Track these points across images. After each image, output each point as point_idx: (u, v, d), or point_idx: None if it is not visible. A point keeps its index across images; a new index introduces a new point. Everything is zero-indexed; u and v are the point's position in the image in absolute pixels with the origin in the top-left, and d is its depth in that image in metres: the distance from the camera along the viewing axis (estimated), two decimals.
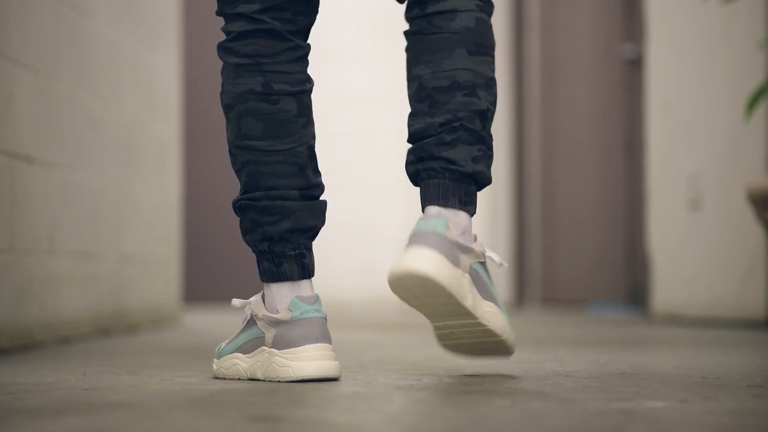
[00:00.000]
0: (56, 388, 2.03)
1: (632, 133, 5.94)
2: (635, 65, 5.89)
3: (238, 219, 2.25)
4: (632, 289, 5.95)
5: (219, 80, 2.25)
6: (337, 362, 2.14)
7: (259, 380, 2.17)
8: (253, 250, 2.21)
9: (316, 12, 2.24)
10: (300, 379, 2.11)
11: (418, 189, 2.22)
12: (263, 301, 2.20)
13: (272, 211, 2.17)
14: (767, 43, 4.01)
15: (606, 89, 6.24)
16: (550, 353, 2.91)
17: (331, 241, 6.62)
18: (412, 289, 2.06)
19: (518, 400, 1.81)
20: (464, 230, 2.13)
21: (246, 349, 2.21)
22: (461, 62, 2.14)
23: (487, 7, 2.21)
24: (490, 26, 2.19)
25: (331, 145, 6.74)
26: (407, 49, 2.21)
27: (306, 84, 2.22)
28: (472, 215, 2.15)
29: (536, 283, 6.99)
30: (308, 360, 2.11)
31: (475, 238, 2.17)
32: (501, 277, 6.97)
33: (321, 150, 2.28)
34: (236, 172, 2.22)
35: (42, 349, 3.12)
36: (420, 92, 2.16)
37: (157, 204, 4.61)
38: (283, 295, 2.17)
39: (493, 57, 2.18)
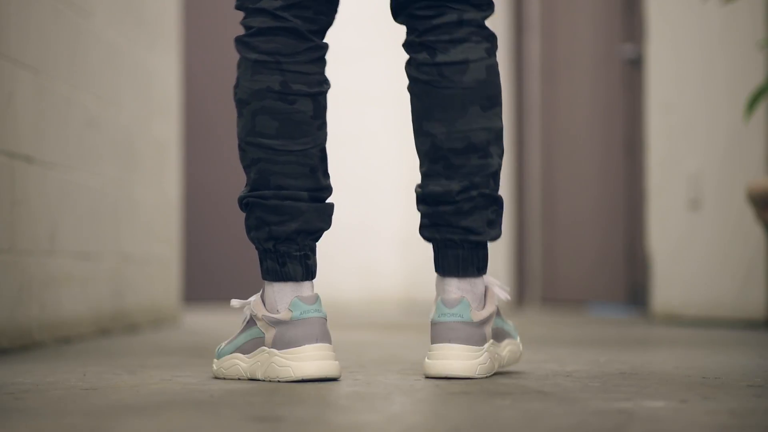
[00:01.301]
0: (56, 388, 2.03)
1: (632, 133, 5.94)
2: (635, 65, 5.89)
3: (243, 215, 2.25)
4: (632, 289, 5.95)
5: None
6: (337, 362, 2.14)
7: (258, 380, 2.17)
8: (257, 248, 2.21)
9: (336, 11, 2.23)
10: (300, 379, 2.11)
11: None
12: (263, 301, 2.20)
13: (280, 210, 2.16)
14: (767, 43, 4.01)
15: (606, 89, 6.24)
16: (550, 353, 2.91)
17: (331, 241, 6.61)
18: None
19: (518, 400, 1.81)
20: (482, 294, 2.21)
21: (246, 349, 2.21)
22: (475, 121, 2.18)
23: (494, 48, 2.22)
24: (497, 70, 2.22)
25: (331, 145, 6.72)
26: (416, 96, 2.21)
27: (323, 85, 2.21)
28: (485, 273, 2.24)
29: (536, 283, 6.99)
30: (308, 360, 2.11)
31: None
32: (501, 278, 6.97)
33: None
34: (245, 167, 2.20)
35: (42, 349, 3.11)
36: (434, 152, 2.19)
37: (157, 204, 4.61)
38: (284, 295, 2.17)
39: (501, 104, 2.22)
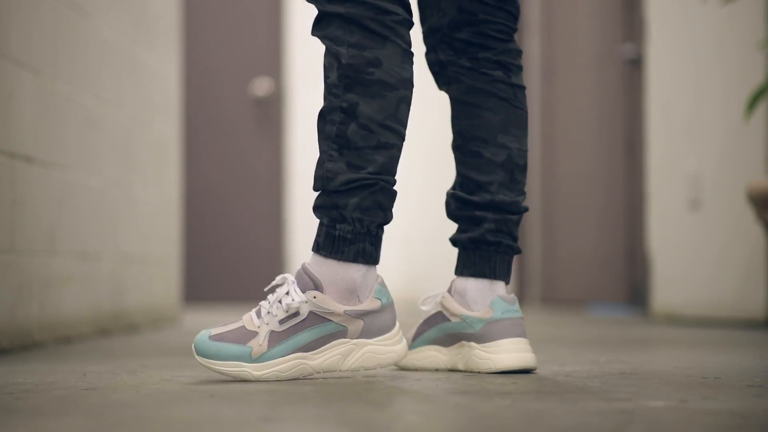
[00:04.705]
0: (56, 388, 2.03)
1: (632, 133, 5.94)
2: (635, 65, 5.89)
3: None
4: (632, 289, 5.95)
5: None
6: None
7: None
8: (356, 229, 2.14)
9: None
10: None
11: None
12: (319, 288, 2.15)
13: (394, 199, 2.18)
14: (767, 43, 4.01)
15: (606, 89, 6.24)
16: (550, 353, 2.91)
17: None
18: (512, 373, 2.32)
19: (518, 400, 1.81)
20: None
21: (315, 345, 2.15)
22: (527, 143, 2.40)
23: None
24: None
25: None
26: (490, 110, 2.35)
27: None
28: None
29: (536, 283, 6.99)
30: (397, 343, 2.21)
31: None
32: None
33: None
34: (364, 147, 2.13)
35: (42, 349, 3.12)
36: (508, 164, 2.35)
37: (156, 204, 4.61)
38: (369, 278, 2.16)
39: None
